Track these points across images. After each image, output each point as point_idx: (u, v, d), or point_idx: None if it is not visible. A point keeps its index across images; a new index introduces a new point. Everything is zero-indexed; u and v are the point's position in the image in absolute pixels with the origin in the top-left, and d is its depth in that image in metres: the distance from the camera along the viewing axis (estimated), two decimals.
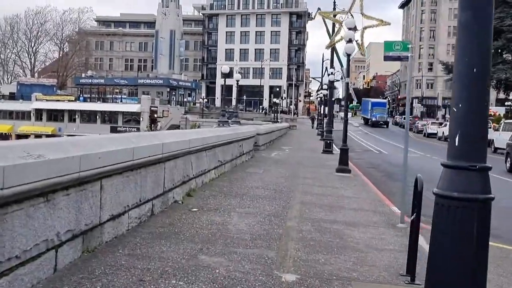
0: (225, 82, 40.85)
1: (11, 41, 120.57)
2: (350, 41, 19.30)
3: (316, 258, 7.17)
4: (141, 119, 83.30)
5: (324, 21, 51.20)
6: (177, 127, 77.77)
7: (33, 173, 4.81)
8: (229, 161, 17.24)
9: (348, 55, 19.67)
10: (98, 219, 6.64)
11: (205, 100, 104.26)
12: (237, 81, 45.56)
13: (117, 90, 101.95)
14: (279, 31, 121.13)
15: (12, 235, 4.68)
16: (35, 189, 4.92)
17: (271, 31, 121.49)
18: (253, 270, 6.34)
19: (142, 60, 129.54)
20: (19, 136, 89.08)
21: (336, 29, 35.36)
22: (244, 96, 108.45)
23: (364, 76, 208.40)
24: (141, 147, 7.97)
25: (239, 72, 50.57)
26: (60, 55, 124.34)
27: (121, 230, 7.44)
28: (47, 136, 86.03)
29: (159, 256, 6.59)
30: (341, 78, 60.46)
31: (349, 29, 19.87)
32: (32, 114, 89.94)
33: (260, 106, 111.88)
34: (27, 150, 4.97)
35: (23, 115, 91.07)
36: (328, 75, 37.57)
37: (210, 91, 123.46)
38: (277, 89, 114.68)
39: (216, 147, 14.73)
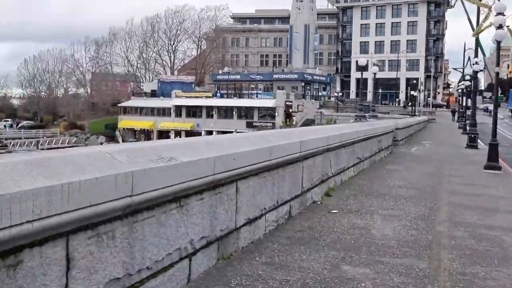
0: (362, 75, 39.70)
1: (152, 40, 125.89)
2: (500, 27, 17.79)
3: (474, 271, 6.32)
4: (276, 114, 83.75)
5: (465, 8, 48.57)
6: (312, 121, 77.42)
7: (164, 178, 4.45)
8: (367, 157, 16.47)
9: (498, 42, 18.13)
10: (234, 223, 6.24)
11: (340, 94, 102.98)
12: (374, 74, 44.28)
13: (253, 86, 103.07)
14: (416, 21, 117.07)
15: (143, 245, 4.33)
16: (167, 194, 4.56)
17: (408, 22, 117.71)
18: (403, 285, 5.65)
19: (277, 56, 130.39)
20: (160, 132, 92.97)
21: (483, 15, 33.20)
22: (380, 89, 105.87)
23: (508, 65, 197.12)
24: (278, 146, 7.49)
25: (376, 65, 49.04)
26: (198, 53, 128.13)
27: (257, 235, 7.01)
28: (186, 132, 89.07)
29: (299, 265, 6.06)
30: (484, 68, 57.20)
31: (498, 14, 18.31)
32: (172, 111, 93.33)
33: (397, 99, 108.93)
34: (159, 153, 4.61)
35: (163, 112, 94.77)
36: (472, 65, 35.44)
37: (345, 85, 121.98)
38: (414, 81, 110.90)
39: (355, 143, 14.05)
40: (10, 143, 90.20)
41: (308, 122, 76.98)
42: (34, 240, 3.15)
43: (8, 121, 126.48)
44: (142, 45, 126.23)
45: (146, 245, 4.38)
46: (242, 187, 6.43)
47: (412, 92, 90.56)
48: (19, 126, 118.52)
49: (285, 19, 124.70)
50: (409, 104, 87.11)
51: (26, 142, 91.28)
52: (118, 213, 3.93)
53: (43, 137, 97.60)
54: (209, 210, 5.54)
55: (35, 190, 3.07)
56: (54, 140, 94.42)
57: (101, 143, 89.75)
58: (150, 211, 4.43)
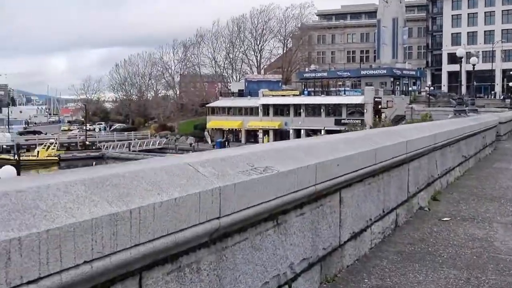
0: (460, 67, 37.61)
1: (238, 40, 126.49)
2: None
3: None
4: (365, 110, 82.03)
5: None
6: (402, 117, 75.17)
7: (259, 193, 3.66)
8: (472, 155, 15.18)
9: None
10: (338, 239, 5.40)
11: (431, 88, 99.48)
12: (473, 65, 41.85)
13: (340, 83, 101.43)
14: None
15: (235, 276, 3.56)
16: (262, 212, 3.77)
17: (502, 10, 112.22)
18: None
19: (364, 51, 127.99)
20: (248, 131, 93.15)
21: None
22: (474, 82, 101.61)
23: None
24: (384, 148, 6.59)
25: (474, 56, 46.31)
26: (284, 51, 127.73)
27: (363, 250, 6.13)
28: (274, 130, 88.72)
29: None
30: None
31: None
32: (259, 110, 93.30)
33: (492, 92, 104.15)
34: (251, 162, 3.83)
35: (251, 111, 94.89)
36: None
37: (436, 79, 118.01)
38: (511, 72, 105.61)
39: (460, 140, 12.86)
40: (104, 146, 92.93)
41: (398, 119, 74.79)
42: (95, 284, 2.43)
43: (101, 124, 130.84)
44: (228, 45, 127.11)
45: (238, 275, 3.60)
46: (346, 197, 5.58)
47: (510, 84, 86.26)
48: (112, 129, 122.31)
49: (371, 14, 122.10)
50: (510, 95, 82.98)
51: (119, 145, 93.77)
52: (203, 239, 3.18)
53: (134, 139, 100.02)
54: (310, 227, 4.73)
55: (96, 220, 2.35)
56: (145, 142, 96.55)
57: (191, 144, 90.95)
58: (243, 234, 3.66)
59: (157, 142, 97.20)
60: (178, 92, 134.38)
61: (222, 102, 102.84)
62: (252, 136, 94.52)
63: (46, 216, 2.18)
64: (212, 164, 3.45)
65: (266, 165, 3.93)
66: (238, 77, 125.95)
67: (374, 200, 6.48)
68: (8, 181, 2.55)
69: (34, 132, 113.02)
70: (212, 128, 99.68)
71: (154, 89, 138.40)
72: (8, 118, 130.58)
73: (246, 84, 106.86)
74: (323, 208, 5.01)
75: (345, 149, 5.57)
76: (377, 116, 78.98)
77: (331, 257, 5.24)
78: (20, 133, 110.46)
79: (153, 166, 3.08)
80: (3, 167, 15.15)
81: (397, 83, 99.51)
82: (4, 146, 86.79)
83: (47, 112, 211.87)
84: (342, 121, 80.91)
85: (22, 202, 2.19)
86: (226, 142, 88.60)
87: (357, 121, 77.95)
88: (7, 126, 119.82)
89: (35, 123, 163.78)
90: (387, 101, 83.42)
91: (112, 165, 3.30)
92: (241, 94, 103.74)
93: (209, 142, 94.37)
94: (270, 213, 3.97)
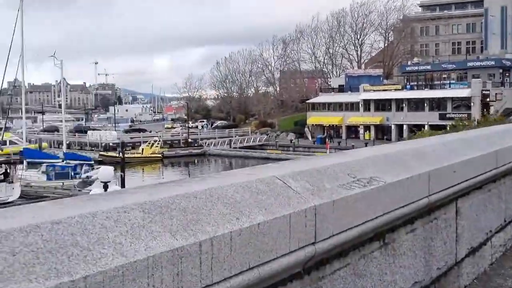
0: None
1: (338, 35, 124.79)
2: None
3: None
4: (472, 104, 78.62)
5: None
6: None
7: (363, 209, 3.07)
8: None
9: None
10: (454, 257, 4.68)
11: None
12: None
13: (445, 76, 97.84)
14: None
15: None
16: (366, 232, 3.16)
17: None
18: None
19: (470, 42, 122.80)
20: (348, 127, 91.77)
21: None
22: None
23: None
24: (506, 148, 5.78)
25: None
26: (385, 45, 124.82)
27: (482, 267, 5.36)
28: (376, 126, 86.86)
29: None
30: None
31: None
32: (360, 105, 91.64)
33: None
34: (353, 172, 3.23)
35: (352, 107, 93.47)
36: None
37: None
38: None
39: None
40: (205, 143, 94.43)
41: (508, 112, 71.14)
42: None
43: (203, 121, 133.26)
44: (328, 40, 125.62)
45: None
46: (463, 207, 4.85)
47: None
48: (213, 126, 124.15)
49: (478, 3, 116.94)
50: None
51: (220, 142, 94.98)
52: (295, 270, 2.62)
53: (235, 136, 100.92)
54: (422, 245, 4.06)
55: (153, 259, 1.84)
56: (246, 139, 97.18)
57: (291, 140, 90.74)
58: (343, 259, 3.06)
59: (258, 139, 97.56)
60: (278, 89, 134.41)
61: (322, 98, 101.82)
62: (353, 132, 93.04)
63: (86, 257, 1.69)
64: (305, 177, 2.89)
65: (370, 175, 3.32)
66: (338, 73, 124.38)
67: (494, 208, 5.69)
68: (49, 206, 2.07)
69: (139, 130, 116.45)
70: (312, 124, 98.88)
71: (254, 86, 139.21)
72: (115, 116, 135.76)
73: (347, 79, 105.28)
74: (437, 222, 4.32)
75: (460, 152, 4.86)
76: (485, 110, 75.54)
77: (446, 278, 4.54)
78: (126, 131, 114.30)
79: (231, 181, 2.54)
80: (101, 168, 15.27)
81: (507, 74, 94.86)
82: (111, 144, 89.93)
83: (151, 110, 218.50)
84: (447, 115, 77.84)
85: (57, 238, 1.71)
86: (329, 138, 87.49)
87: (463, 115, 74.75)
88: (113, 124, 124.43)
89: (140, 121, 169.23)
90: (496, 93, 79.61)
91: (184, 180, 2.78)
92: (341, 89, 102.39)
93: (310, 138, 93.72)
94: (376, 232, 3.35)
